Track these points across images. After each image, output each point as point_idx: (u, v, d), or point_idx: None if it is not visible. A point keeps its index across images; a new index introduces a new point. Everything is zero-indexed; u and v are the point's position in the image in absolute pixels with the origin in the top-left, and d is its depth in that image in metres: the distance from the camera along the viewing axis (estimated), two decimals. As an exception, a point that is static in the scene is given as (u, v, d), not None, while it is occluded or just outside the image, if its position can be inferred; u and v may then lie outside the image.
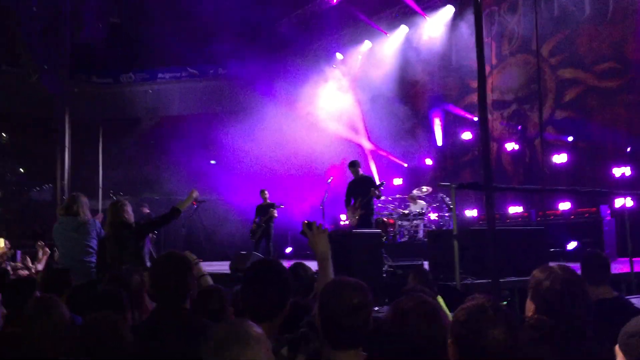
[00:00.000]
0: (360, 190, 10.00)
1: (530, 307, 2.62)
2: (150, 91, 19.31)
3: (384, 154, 16.62)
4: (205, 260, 4.57)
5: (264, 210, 12.56)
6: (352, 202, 10.09)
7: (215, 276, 9.99)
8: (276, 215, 12.44)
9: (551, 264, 2.78)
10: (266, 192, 12.71)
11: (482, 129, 5.45)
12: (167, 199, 15.92)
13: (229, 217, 16.74)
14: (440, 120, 16.48)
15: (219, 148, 17.05)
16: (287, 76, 17.24)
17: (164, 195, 16.79)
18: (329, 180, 11.12)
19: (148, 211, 14.24)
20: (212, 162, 18.03)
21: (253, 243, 12.63)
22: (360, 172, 10.34)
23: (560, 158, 13.06)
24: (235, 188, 16.45)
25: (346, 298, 2.32)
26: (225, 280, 8.42)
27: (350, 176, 10.53)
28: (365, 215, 9.99)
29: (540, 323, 2.43)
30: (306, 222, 3.11)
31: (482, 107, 5.19)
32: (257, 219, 12.59)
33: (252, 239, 12.62)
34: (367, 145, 16.52)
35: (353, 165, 10.38)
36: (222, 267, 11.56)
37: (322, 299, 2.38)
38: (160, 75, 19.39)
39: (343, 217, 16.35)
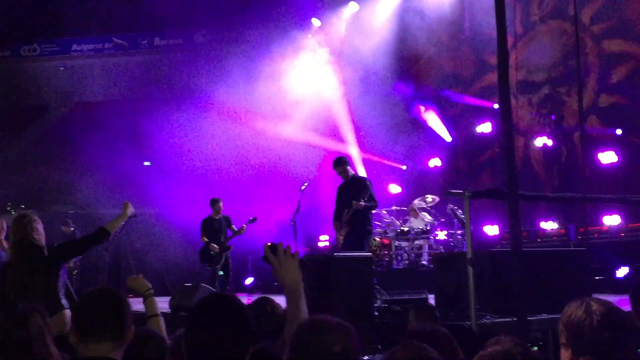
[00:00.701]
0: (350, 197, 9.89)
1: (565, 355, 2.65)
2: (62, 68, 19.14)
3: (375, 158, 16.74)
4: (136, 295, 4.56)
5: (216, 226, 12.41)
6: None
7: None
8: (244, 231, 12.34)
9: (594, 296, 2.83)
10: (220, 202, 12.65)
11: (504, 119, 5.53)
12: (83, 215, 15.78)
13: (169, 238, 16.64)
14: (449, 108, 16.66)
15: (155, 145, 16.96)
16: (246, 48, 17.23)
17: (78, 208, 16.65)
18: (303, 187, 11.08)
19: (73, 228, 14.12)
20: (146, 163, 17.91)
21: (209, 272, 12.43)
22: (351, 172, 10.30)
23: (606, 157, 13.28)
24: (176, 198, 16.36)
25: (324, 344, 2.33)
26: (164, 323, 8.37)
27: (337, 179, 10.46)
28: (353, 233, 9.87)
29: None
30: (269, 244, 3.13)
31: (503, 91, 5.27)
32: (223, 236, 12.33)
33: (209, 265, 12.44)
34: (354, 151, 16.59)
35: (339, 163, 10.23)
36: (159, 304, 11.47)
37: (294, 344, 2.39)
38: (75, 46, 19.25)
39: (323, 236, 16.43)
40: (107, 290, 3.14)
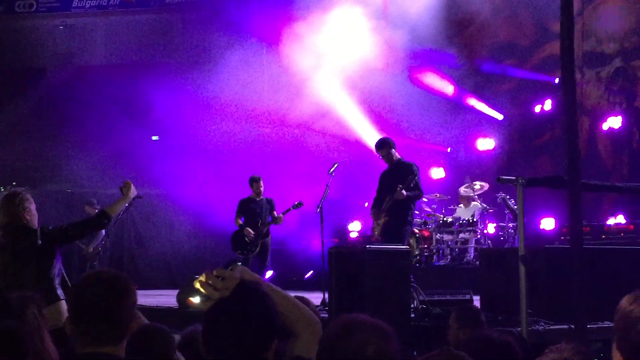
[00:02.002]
0: (393, 183, 9.85)
1: (616, 357, 2.64)
2: (62, 27, 19.24)
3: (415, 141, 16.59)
4: (141, 287, 4.63)
5: (256, 208, 12.25)
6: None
7: (153, 312, 10.07)
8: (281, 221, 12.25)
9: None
10: (260, 181, 12.42)
11: (567, 94, 5.52)
12: (81, 193, 15.94)
13: (178, 223, 16.79)
14: (504, 82, 16.56)
15: (165, 116, 17.07)
16: (270, 5, 17.16)
17: (77, 186, 16.81)
18: (332, 170, 11.05)
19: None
20: (154, 137, 18.03)
21: (242, 260, 12.24)
22: (396, 155, 10.30)
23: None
24: (188, 178, 16.48)
25: (356, 344, 2.37)
26: (172, 319, 8.48)
27: (382, 165, 10.44)
28: (391, 224, 9.88)
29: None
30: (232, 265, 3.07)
31: (567, 63, 5.26)
32: (261, 222, 12.06)
33: (242, 253, 12.19)
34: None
35: (382, 145, 10.26)
36: (166, 298, 11.56)
37: (323, 345, 2.43)
38: (76, 2, 19.35)
39: (353, 225, 16.44)
40: (107, 275, 3.08)
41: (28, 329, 3.71)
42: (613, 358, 2.66)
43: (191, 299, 9.20)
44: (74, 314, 3.01)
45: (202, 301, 2.62)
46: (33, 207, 6.29)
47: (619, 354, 2.62)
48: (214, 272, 2.64)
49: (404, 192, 9.67)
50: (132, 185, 6.60)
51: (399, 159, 10.31)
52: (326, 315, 8.10)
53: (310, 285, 13.96)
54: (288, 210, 12.14)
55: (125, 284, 3.08)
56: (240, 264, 12.04)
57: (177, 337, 4.05)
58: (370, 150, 16.12)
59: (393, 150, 10.28)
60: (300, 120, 16.60)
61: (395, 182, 9.82)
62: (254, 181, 12.40)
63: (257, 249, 12.13)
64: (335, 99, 16.69)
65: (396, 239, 9.51)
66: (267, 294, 2.65)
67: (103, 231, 14.48)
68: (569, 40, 4.84)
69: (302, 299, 4.59)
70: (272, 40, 16.65)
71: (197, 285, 2.65)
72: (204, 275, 2.63)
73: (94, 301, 2.95)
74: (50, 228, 6.41)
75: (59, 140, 17.85)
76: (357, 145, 16.08)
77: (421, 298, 8.51)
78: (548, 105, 15.59)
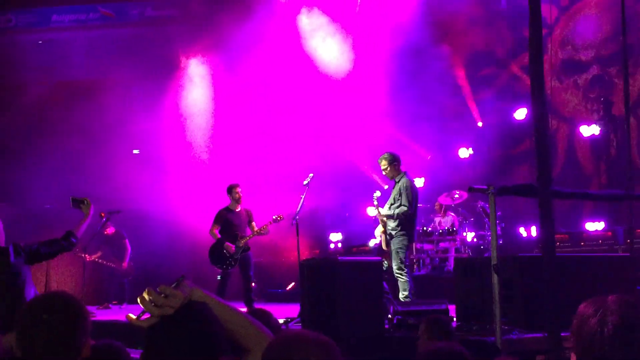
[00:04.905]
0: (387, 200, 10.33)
1: None
2: (40, 42, 19.20)
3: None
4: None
5: (234, 220, 11.81)
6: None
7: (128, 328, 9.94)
8: (266, 232, 11.82)
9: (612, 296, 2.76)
10: (238, 188, 11.97)
11: (537, 103, 5.52)
12: (56, 211, 15.84)
13: (158, 240, 16.67)
14: (482, 91, 16.58)
15: (145, 130, 17.03)
16: (247, 16, 17.09)
17: (54, 203, 16.69)
18: (307, 181, 10.92)
19: (115, 231, 14.33)
20: (135, 151, 17.97)
21: (221, 274, 11.86)
22: (396, 170, 10.39)
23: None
24: (168, 193, 16.44)
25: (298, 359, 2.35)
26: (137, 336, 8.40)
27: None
28: (391, 237, 10.21)
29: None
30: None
31: (535, 67, 5.25)
32: (241, 235, 11.63)
33: (222, 267, 11.69)
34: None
35: (381, 160, 10.48)
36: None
37: (265, 360, 2.41)
38: (55, 17, 19.32)
39: (335, 236, 16.40)
40: (57, 298, 3.03)
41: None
42: None
43: (130, 315, 8.93)
44: (24, 336, 2.95)
45: (138, 317, 2.55)
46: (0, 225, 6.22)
47: (574, 356, 2.61)
48: (158, 289, 2.60)
49: (379, 211, 10.22)
50: (89, 203, 6.68)
51: (399, 175, 10.41)
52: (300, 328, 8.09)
53: (291, 297, 13.91)
54: (266, 225, 11.73)
55: (78, 308, 3.03)
56: (219, 277, 11.92)
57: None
58: (347, 160, 16.17)
59: (394, 165, 10.41)
60: (279, 132, 16.54)
61: (387, 199, 10.26)
62: (232, 188, 11.95)
63: (236, 264, 11.69)
64: (308, 107, 16.60)
65: (393, 253, 9.97)
66: (213, 314, 2.60)
67: (129, 246, 14.63)
68: (537, 44, 4.84)
69: (262, 313, 4.55)
70: (251, 53, 16.63)
71: (139, 301, 2.57)
72: (146, 291, 2.58)
73: (44, 324, 2.91)
74: (22, 245, 6.31)
75: (36, 155, 17.69)
76: (336, 154, 16.00)
77: (397, 309, 8.48)
78: (524, 113, 15.52)
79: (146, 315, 2.51)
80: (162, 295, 2.53)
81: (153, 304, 2.51)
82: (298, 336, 2.46)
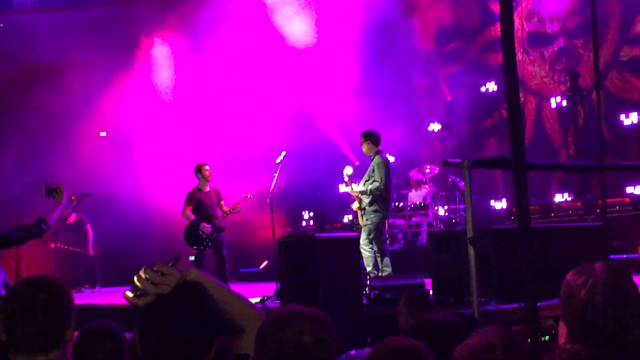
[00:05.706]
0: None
1: (562, 332, 2.65)
2: (2, 25, 18.94)
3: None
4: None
5: (205, 200, 11.68)
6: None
7: (109, 311, 9.97)
8: (238, 210, 11.71)
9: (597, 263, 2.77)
10: (206, 166, 11.82)
11: (509, 75, 5.54)
12: (16, 198, 15.70)
13: (129, 221, 16.60)
14: (451, 64, 16.64)
15: (111, 112, 16.90)
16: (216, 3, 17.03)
17: (21, 188, 16.55)
18: (280, 159, 10.93)
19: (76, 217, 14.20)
20: (102, 134, 17.83)
21: (196, 255, 11.81)
22: (372, 149, 10.47)
23: (629, 119, 13.36)
24: (137, 174, 16.35)
25: (292, 334, 2.36)
26: (125, 317, 8.38)
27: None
28: (366, 214, 10.33)
29: (574, 356, 2.38)
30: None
31: (506, 41, 5.27)
32: (214, 215, 11.59)
33: (198, 248, 11.65)
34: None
35: (361, 137, 10.60)
36: (119, 296, 11.46)
37: (259, 338, 2.42)
38: (17, 0, 19.08)
39: (306, 213, 16.41)
40: (40, 282, 3.02)
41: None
42: (559, 331, 2.68)
43: (127, 292, 8.87)
44: (8, 319, 2.94)
45: (134, 295, 2.56)
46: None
47: (564, 325, 2.64)
48: (155, 267, 2.58)
49: (352, 187, 10.45)
50: (62, 190, 6.62)
51: (374, 153, 10.48)
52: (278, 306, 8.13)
53: (265, 276, 13.93)
54: (238, 204, 11.63)
55: (60, 289, 3.02)
56: (193, 258, 11.88)
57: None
58: (321, 138, 16.16)
59: (369, 142, 10.49)
60: (248, 110, 16.47)
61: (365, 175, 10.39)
62: (200, 167, 11.85)
63: (213, 244, 11.64)
64: (278, 85, 16.52)
65: (369, 227, 10.08)
66: (209, 294, 2.59)
67: (91, 231, 14.48)
68: (507, 19, 4.87)
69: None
70: (217, 32, 16.52)
71: (135, 279, 2.57)
72: (142, 269, 2.56)
73: (29, 307, 2.91)
74: None
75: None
76: (310, 132, 15.98)
77: (374, 284, 8.53)
78: (493, 86, 15.66)
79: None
80: (159, 273, 2.55)
81: (150, 282, 2.53)
82: (291, 312, 2.47)
